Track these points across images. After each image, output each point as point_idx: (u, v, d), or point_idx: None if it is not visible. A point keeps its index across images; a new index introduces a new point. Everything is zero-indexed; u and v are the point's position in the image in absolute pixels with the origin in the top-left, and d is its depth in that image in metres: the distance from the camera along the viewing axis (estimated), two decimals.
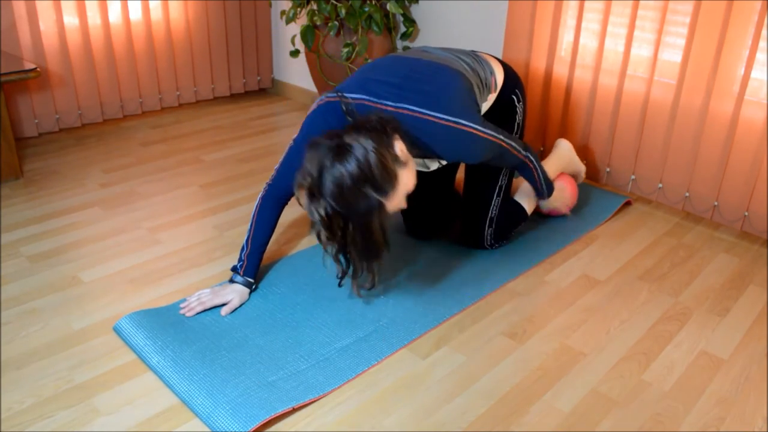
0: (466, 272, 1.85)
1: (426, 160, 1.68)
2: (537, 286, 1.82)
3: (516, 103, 1.83)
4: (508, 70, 1.83)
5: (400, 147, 1.40)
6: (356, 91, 1.54)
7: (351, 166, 1.31)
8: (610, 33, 2.28)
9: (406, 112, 1.50)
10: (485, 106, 1.76)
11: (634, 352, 1.56)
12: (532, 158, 1.76)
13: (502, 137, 1.61)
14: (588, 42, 2.36)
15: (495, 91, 1.77)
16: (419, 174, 1.91)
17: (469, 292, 1.76)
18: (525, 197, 1.99)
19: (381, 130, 1.38)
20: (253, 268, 1.68)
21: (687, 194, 2.24)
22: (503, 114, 1.81)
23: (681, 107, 2.16)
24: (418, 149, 1.51)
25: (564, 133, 2.51)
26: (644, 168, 2.33)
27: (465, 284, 1.80)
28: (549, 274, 1.88)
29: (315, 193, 1.35)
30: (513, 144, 1.67)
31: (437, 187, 1.97)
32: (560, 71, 2.45)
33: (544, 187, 1.87)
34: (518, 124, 1.86)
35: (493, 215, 1.89)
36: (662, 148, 2.25)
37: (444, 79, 1.56)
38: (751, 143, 2.04)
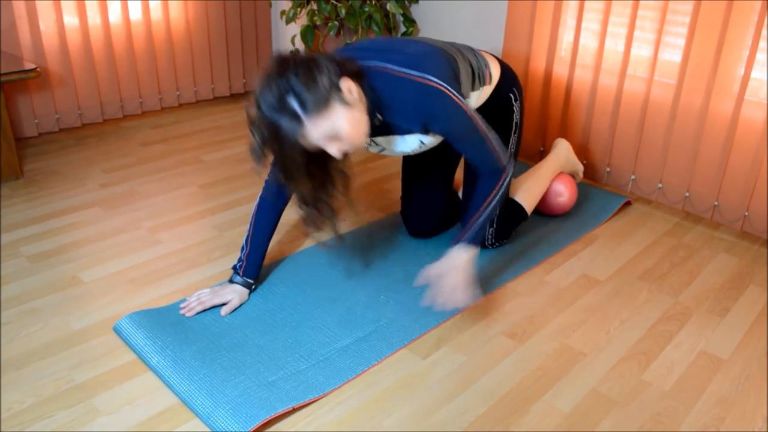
0: None
1: (408, 137, 1.60)
2: (537, 286, 1.82)
3: (513, 102, 1.83)
4: (506, 68, 1.83)
5: (348, 86, 1.37)
6: None
7: (285, 74, 1.32)
8: (610, 33, 2.28)
9: (372, 66, 1.47)
10: (479, 99, 1.75)
11: (634, 352, 1.56)
12: (510, 169, 1.61)
13: (478, 117, 1.55)
14: (588, 42, 2.36)
15: (489, 84, 1.75)
16: (415, 162, 1.92)
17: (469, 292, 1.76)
18: (525, 197, 1.98)
19: (337, 63, 1.38)
20: (253, 268, 1.68)
21: (687, 194, 2.24)
22: (501, 113, 1.80)
23: (681, 107, 2.16)
24: (381, 108, 1.48)
25: (564, 132, 2.51)
26: (644, 168, 2.33)
27: None
28: (549, 274, 1.88)
29: (258, 104, 1.37)
30: (492, 137, 1.56)
31: (436, 187, 1.97)
32: (560, 71, 2.45)
33: (484, 213, 1.60)
34: (516, 123, 1.85)
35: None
36: (662, 148, 2.25)
37: (423, 49, 1.56)
38: (751, 143, 2.04)
